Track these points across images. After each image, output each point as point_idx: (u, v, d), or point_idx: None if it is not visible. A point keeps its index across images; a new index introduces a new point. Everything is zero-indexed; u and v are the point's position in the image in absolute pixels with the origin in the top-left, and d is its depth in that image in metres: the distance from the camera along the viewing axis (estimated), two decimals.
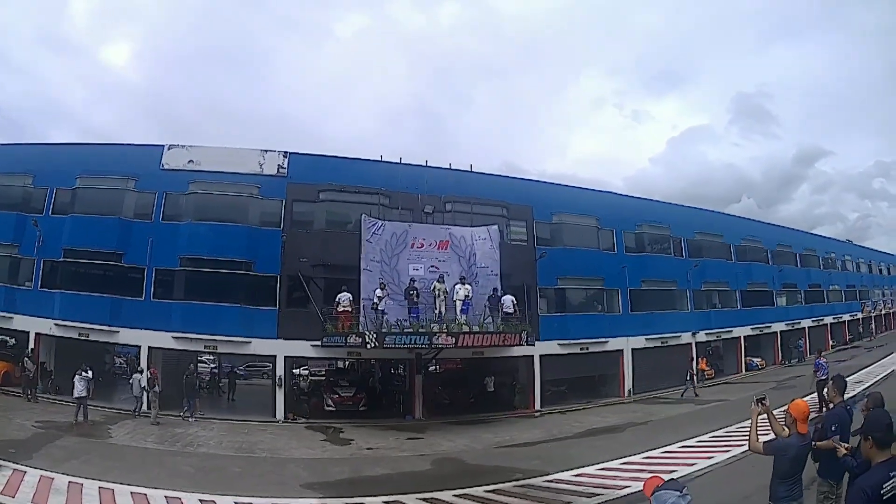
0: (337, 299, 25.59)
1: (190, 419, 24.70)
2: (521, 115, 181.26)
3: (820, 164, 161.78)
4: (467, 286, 26.09)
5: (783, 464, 6.92)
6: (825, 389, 24.22)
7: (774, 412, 7.65)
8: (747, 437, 7.66)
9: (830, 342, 54.53)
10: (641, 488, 5.10)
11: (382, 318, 24.55)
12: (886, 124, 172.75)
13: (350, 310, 25.27)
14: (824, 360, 25.08)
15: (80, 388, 22.06)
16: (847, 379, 9.94)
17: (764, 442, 7.22)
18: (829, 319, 55.23)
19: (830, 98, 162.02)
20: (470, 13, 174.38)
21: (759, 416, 7.44)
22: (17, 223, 28.38)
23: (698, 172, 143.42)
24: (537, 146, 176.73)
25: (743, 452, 16.13)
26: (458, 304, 25.62)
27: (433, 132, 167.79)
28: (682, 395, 32.22)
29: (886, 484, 4.41)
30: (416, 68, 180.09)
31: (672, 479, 4.90)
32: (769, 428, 7.72)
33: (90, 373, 22.75)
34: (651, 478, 5.25)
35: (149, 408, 24.39)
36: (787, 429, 7.18)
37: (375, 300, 24.70)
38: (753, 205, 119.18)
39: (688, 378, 33.08)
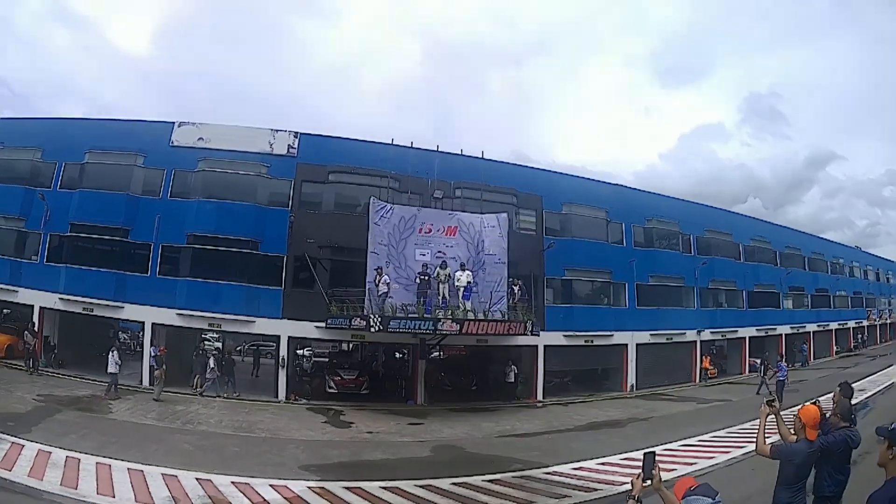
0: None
1: (223, 396, 25.74)
2: (531, 104, 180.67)
3: (831, 169, 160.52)
4: (468, 272, 25.94)
5: (789, 469, 6.80)
6: (784, 390, 25.67)
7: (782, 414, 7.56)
8: (752, 439, 7.53)
9: (834, 348, 54.79)
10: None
11: (382, 301, 24.57)
12: None
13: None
14: (785, 364, 30.38)
15: (112, 365, 23.08)
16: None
17: (771, 445, 7.06)
18: (834, 325, 55.10)
19: (843, 102, 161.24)
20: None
21: (768, 418, 7.28)
22: (25, 197, 28.28)
23: (707, 170, 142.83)
24: (547, 136, 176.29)
25: (744, 454, 16.14)
26: (460, 290, 25.49)
27: (443, 117, 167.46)
28: (758, 392, 30.74)
29: None
30: (428, 53, 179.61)
31: (706, 483, 4.71)
32: (776, 430, 7.62)
33: (116, 353, 23.61)
34: (682, 478, 5.08)
35: (152, 384, 24.51)
36: (794, 434, 7.07)
37: (383, 288, 24.77)
38: (760, 205, 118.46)
39: (762, 374, 32.25)
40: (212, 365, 26.31)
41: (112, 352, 23.44)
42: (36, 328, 26.53)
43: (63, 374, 25.81)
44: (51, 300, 27.11)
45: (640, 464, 4.95)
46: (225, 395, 25.83)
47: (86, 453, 14.31)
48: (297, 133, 29.36)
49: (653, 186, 79.97)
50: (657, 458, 5.00)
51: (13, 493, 11.51)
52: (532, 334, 27.04)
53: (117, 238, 27.79)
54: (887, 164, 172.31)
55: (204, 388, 25.89)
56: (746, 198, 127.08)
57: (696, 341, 38.46)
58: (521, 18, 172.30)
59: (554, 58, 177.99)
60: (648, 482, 4.89)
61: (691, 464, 15.58)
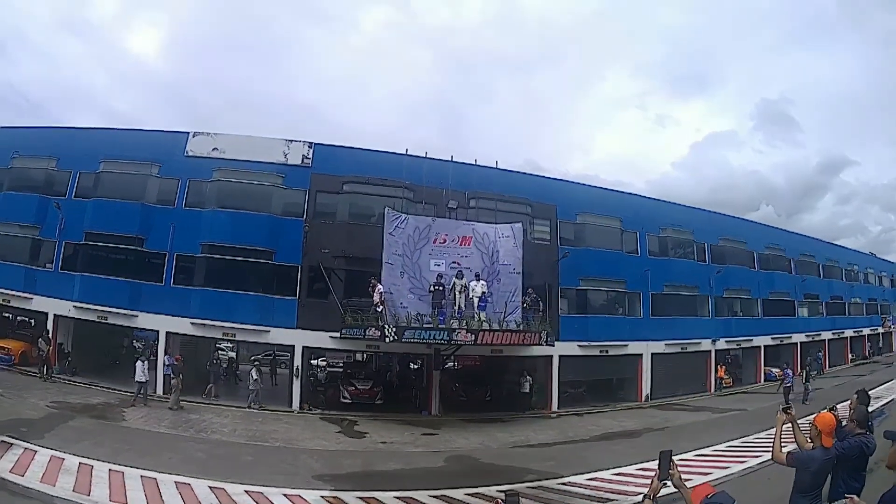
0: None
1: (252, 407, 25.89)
2: (543, 113, 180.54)
3: (844, 175, 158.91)
4: (483, 282, 25.85)
5: (805, 477, 6.76)
6: (791, 395, 27.60)
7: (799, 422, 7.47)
8: (769, 447, 7.47)
9: (850, 356, 54.31)
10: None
11: (383, 313, 24.47)
12: None
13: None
14: (790, 371, 31.43)
15: (140, 374, 23.46)
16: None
17: (787, 453, 7.03)
18: (849, 333, 54.56)
19: (855, 107, 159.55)
20: (494, 8, 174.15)
21: (784, 426, 7.21)
22: (40, 205, 28.49)
23: (720, 178, 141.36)
24: (559, 145, 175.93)
25: (760, 463, 16.03)
26: (475, 300, 25.40)
27: (455, 127, 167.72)
28: (804, 401, 28.15)
29: None
30: (439, 62, 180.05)
31: (723, 491, 4.64)
32: (792, 438, 7.53)
33: (146, 363, 23.98)
34: (700, 485, 5.01)
35: (167, 393, 24.60)
36: (810, 441, 7.00)
37: (376, 298, 24.67)
38: (772, 213, 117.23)
39: (805, 380, 30.97)
40: (255, 376, 26.48)
41: (142, 361, 23.73)
42: (50, 335, 26.65)
43: (76, 382, 25.96)
44: (65, 308, 27.27)
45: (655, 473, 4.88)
46: (257, 406, 25.96)
47: (99, 460, 14.31)
48: (311, 143, 29.41)
49: (666, 194, 79.72)
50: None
51: (26, 499, 11.55)
52: (547, 344, 26.86)
53: (132, 247, 27.94)
54: None
55: (249, 399, 26.08)
56: (759, 205, 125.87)
57: (710, 350, 38.16)
58: (528, 26, 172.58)
59: (563, 66, 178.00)
60: (667, 481, 4.82)
61: (707, 473, 15.41)
